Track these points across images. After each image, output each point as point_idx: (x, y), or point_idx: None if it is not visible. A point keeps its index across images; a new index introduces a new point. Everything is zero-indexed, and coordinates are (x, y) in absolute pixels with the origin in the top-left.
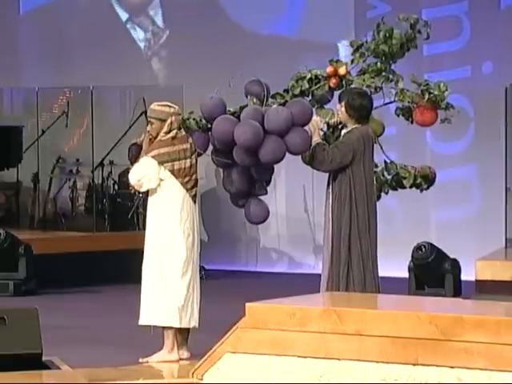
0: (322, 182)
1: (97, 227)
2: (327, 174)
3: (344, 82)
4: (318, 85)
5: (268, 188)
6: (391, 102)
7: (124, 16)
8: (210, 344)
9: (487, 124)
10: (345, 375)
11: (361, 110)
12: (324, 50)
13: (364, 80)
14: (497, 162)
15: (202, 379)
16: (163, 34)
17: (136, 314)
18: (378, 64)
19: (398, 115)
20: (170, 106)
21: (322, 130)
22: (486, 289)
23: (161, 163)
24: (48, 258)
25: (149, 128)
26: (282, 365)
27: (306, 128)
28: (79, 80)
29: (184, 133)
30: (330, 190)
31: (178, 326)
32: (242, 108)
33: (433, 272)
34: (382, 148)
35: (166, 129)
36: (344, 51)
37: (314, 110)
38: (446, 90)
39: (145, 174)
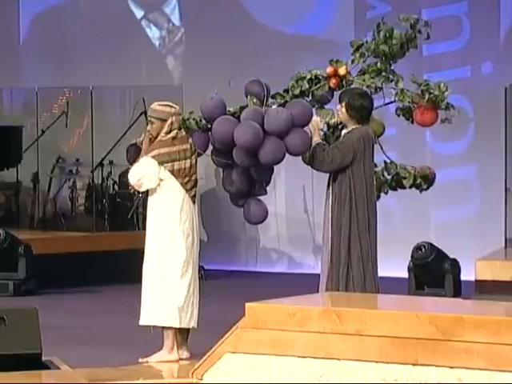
0: (322, 183)
1: (97, 227)
2: (327, 175)
3: (344, 83)
4: (318, 85)
5: (268, 188)
6: (391, 102)
7: (124, 16)
8: (209, 344)
9: (487, 124)
10: (344, 375)
11: (361, 110)
12: (324, 50)
13: (364, 80)
14: (496, 162)
15: (201, 379)
16: (163, 34)
17: (136, 314)
18: (378, 64)
19: (399, 115)
20: (170, 106)
21: (322, 130)
22: (486, 289)
23: (161, 163)
24: (48, 258)
25: (149, 128)
26: (281, 365)
27: (306, 128)
28: (79, 80)
29: (184, 133)
30: (331, 191)
31: (177, 326)
32: (242, 108)
33: (433, 272)
34: (382, 148)
35: (166, 129)
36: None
37: (314, 110)
38: (446, 90)
39: (144, 173)
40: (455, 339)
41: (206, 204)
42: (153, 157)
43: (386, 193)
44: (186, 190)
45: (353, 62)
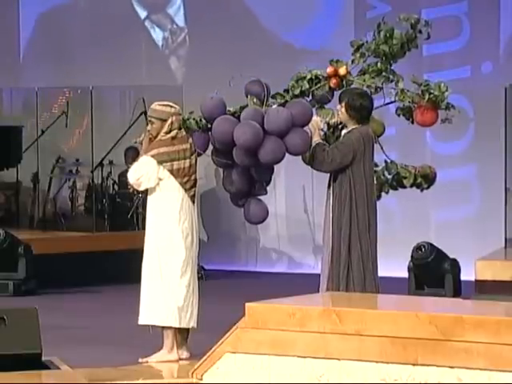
0: (322, 183)
1: (96, 227)
2: (327, 175)
3: (344, 82)
4: (319, 85)
5: (268, 188)
6: (391, 102)
7: (124, 16)
8: (209, 344)
9: (487, 124)
10: (344, 375)
11: (361, 110)
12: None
13: (364, 80)
14: (496, 162)
15: (201, 379)
16: (164, 34)
17: (136, 314)
18: (379, 64)
19: (399, 115)
20: (171, 106)
21: (322, 130)
22: (486, 289)
23: (160, 163)
24: (48, 257)
25: (149, 127)
26: (281, 365)
27: (306, 128)
28: (79, 80)
29: (184, 133)
30: (331, 191)
31: (177, 325)
32: (242, 108)
33: (432, 272)
34: (382, 148)
35: (166, 129)
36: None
37: (314, 110)
38: (447, 90)
39: (143, 173)
40: (455, 339)
41: (206, 204)
42: (152, 156)
43: (387, 192)
44: (185, 190)
45: (353, 62)
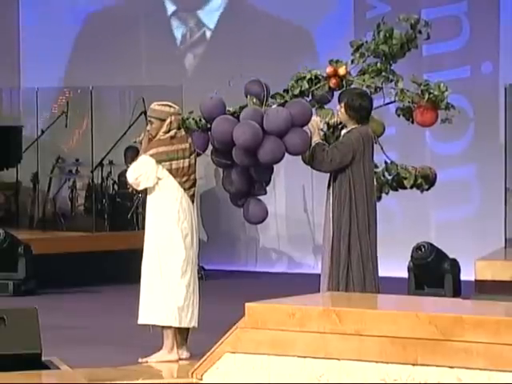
0: (322, 183)
1: (96, 227)
2: (327, 175)
3: (344, 83)
4: (318, 85)
5: (268, 188)
6: (391, 102)
7: (124, 16)
8: (209, 344)
9: (487, 124)
10: (344, 375)
11: (360, 110)
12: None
13: (364, 80)
14: (496, 162)
15: (201, 379)
16: (164, 34)
17: (136, 314)
18: (378, 64)
19: (399, 115)
20: (170, 106)
21: (321, 130)
22: (486, 289)
23: (159, 162)
24: (47, 258)
25: (148, 127)
26: (281, 365)
27: (306, 128)
28: (79, 80)
29: (183, 133)
30: (331, 191)
31: (177, 325)
32: (241, 108)
33: (432, 272)
34: (382, 148)
35: (165, 128)
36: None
37: (313, 110)
38: (446, 90)
39: (142, 172)
40: (455, 339)
41: (206, 204)
42: (151, 155)
43: (387, 193)
44: (185, 190)
45: (353, 62)
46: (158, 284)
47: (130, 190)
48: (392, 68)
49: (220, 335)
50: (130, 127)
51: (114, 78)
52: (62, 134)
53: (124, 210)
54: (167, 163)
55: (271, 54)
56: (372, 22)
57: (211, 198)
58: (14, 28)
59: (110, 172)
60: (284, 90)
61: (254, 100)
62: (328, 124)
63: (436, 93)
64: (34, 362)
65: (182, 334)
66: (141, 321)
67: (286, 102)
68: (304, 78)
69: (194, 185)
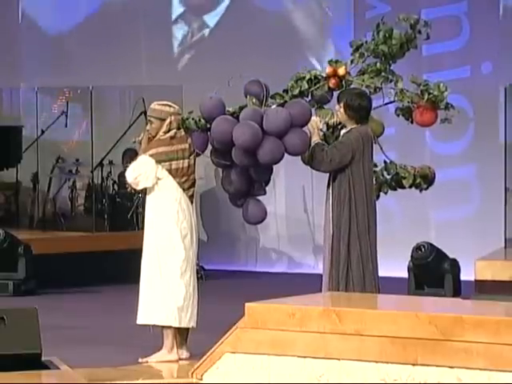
0: (322, 183)
1: (96, 227)
2: (327, 175)
3: (343, 83)
4: (318, 85)
5: (267, 188)
6: (391, 102)
7: (125, 16)
8: (209, 344)
9: (486, 124)
10: (344, 375)
11: (360, 110)
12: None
13: (363, 80)
14: (496, 162)
15: (201, 379)
16: (164, 34)
17: (135, 314)
18: (378, 64)
19: (398, 115)
20: (170, 106)
21: (321, 130)
22: (486, 289)
23: (158, 162)
24: (47, 258)
25: (148, 127)
26: (281, 365)
27: (305, 128)
28: (79, 80)
29: (183, 133)
30: (330, 191)
31: (177, 325)
32: (241, 108)
33: (432, 272)
34: (381, 148)
35: (165, 128)
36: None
37: (313, 110)
38: (446, 90)
39: (141, 172)
40: (455, 339)
41: (206, 204)
42: (150, 155)
43: (386, 193)
44: (184, 190)
45: (352, 62)
46: (157, 284)
47: (129, 189)
48: (392, 68)
49: (220, 335)
50: (129, 127)
51: (114, 78)
52: (62, 134)
53: (124, 209)
54: (167, 163)
55: (271, 54)
56: (372, 21)
57: (211, 198)
58: (14, 28)
59: (110, 172)
60: (283, 91)
61: (254, 100)
62: (327, 124)
63: (435, 93)
64: (34, 362)
65: (181, 334)
66: (140, 321)
67: (286, 102)
68: (303, 78)
69: (193, 185)
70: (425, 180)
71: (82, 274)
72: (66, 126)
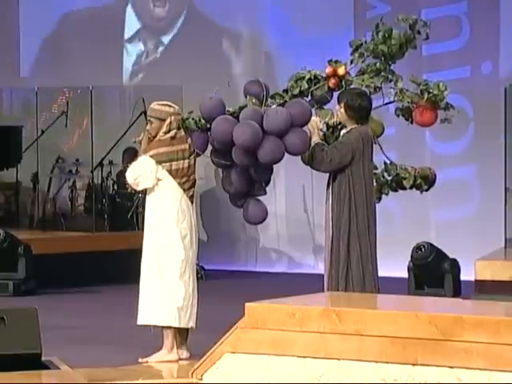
0: (322, 183)
1: (96, 227)
2: (327, 175)
3: (343, 83)
4: (318, 85)
5: (267, 188)
6: (391, 102)
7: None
8: (209, 344)
9: (486, 124)
10: (344, 375)
11: (360, 110)
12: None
13: (363, 80)
14: (496, 162)
15: (201, 379)
16: (164, 33)
17: (135, 314)
18: (377, 64)
19: (398, 115)
20: (170, 106)
21: (321, 130)
22: (486, 289)
23: (159, 163)
24: (47, 258)
25: (148, 127)
26: (281, 365)
27: (305, 128)
28: (79, 80)
29: (183, 133)
30: (330, 191)
31: (177, 325)
32: (241, 108)
33: (432, 272)
34: (381, 148)
35: (165, 128)
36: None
37: (313, 110)
38: (446, 89)
39: (141, 172)
40: (455, 339)
41: (206, 204)
42: (151, 156)
43: (387, 194)
44: (184, 190)
45: (352, 62)
46: (157, 284)
47: (129, 189)
48: (391, 68)
49: (220, 335)
50: (130, 127)
51: (115, 78)
52: (62, 134)
53: (124, 210)
54: (167, 164)
55: (271, 54)
56: (372, 21)
57: (211, 198)
58: (14, 28)
59: (110, 172)
60: (283, 90)
61: (254, 100)
62: (327, 124)
63: (435, 92)
64: (34, 362)
65: (181, 334)
66: (140, 321)
67: (286, 102)
68: (303, 78)
69: (193, 185)
70: (425, 181)
71: (82, 274)
72: (66, 126)
